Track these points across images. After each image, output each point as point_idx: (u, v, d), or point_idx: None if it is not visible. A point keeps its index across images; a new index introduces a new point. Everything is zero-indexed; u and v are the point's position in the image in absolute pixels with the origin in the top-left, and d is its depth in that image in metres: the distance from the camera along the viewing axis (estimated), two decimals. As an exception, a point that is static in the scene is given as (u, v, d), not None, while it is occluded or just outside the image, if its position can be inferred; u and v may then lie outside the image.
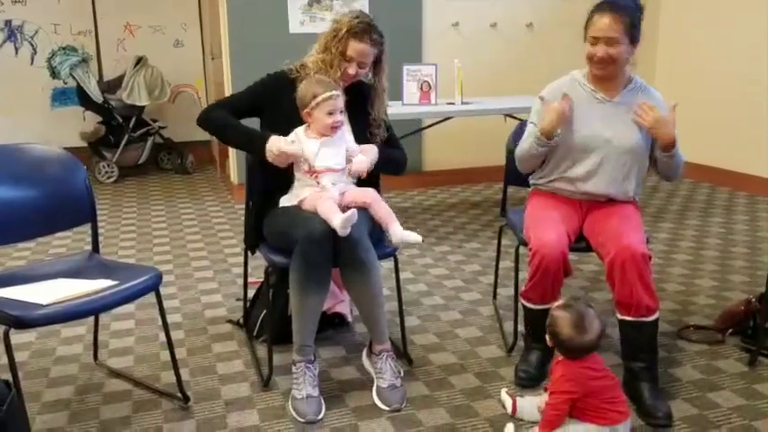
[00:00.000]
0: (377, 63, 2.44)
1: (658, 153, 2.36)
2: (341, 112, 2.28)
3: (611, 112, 2.37)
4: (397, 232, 2.25)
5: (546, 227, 2.28)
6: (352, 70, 2.37)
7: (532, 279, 2.23)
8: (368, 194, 2.33)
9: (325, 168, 2.28)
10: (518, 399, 2.13)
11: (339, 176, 2.31)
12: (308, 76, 2.37)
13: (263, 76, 2.47)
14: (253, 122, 2.41)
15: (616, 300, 2.15)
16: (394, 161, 2.50)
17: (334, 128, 2.27)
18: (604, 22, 2.28)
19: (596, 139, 2.36)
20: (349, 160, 2.33)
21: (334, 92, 2.26)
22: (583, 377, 1.91)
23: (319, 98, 2.24)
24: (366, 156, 2.34)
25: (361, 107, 2.46)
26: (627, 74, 2.43)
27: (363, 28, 2.33)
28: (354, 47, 2.34)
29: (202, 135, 6.54)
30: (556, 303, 2.00)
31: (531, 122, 2.49)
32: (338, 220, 2.10)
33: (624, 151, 2.36)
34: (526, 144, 2.44)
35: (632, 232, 2.20)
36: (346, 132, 2.37)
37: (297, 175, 2.35)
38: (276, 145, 2.26)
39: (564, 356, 1.95)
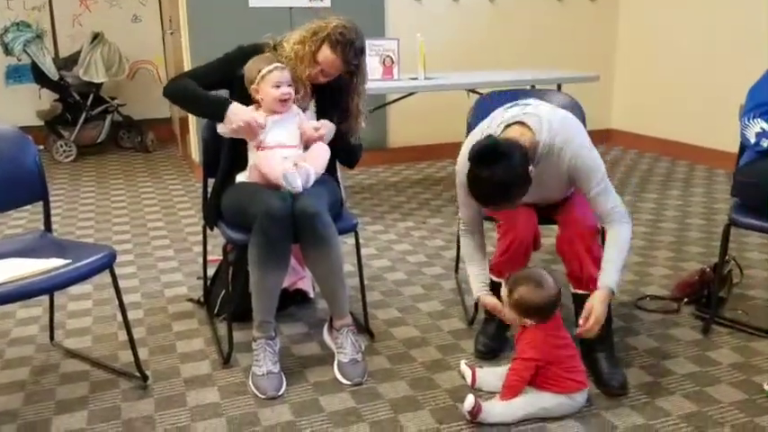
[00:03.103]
0: (351, 83, 2.37)
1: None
2: (289, 84, 2.25)
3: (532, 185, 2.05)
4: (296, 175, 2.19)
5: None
6: (313, 73, 2.30)
7: (504, 255, 2.23)
8: (317, 146, 2.32)
9: (277, 144, 2.25)
10: (477, 370, 2.15)
11: (292, 153, 2.29)
12: (281, 57, 2.31)
13: (234, 48, 2.39)
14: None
15: (567, 273, 2.18)
16: (348, 148, 2.47)
17: (283, 101, 2.24)
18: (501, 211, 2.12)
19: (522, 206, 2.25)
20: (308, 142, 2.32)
21: (278, 64, 2.24)
22: (548, 345, 1.95)
23: (264, 71, 2.22)
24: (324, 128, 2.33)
25: (329, 101, 2.40)
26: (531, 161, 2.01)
27: (341, 40, 2.24)
28: (325, 53, 2.26)
29: (163, 112, 6.49)
30: (505, 287, 2.01)
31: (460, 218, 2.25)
32: (282, 179, 2.14)
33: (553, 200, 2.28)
34: (468, 262, 2.27)
35: (582, 207, 2.20)
36: (302, 114, 2.34)
37: (249, 151, 2.32)
38: (242, 117, 2.21)
39: (538, 320, 1.97)
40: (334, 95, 2.40)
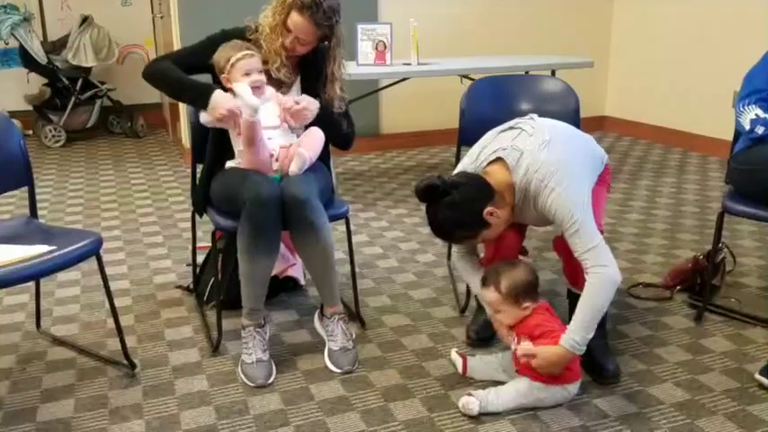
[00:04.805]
0: (329, 48, 2.32)
1: None
2: (259, 71, 2.22)
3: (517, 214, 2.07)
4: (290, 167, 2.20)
5: None
6: (288, 42, 2.25)
7: (490, 264, 2.18)
8: (312, 130, 2.29)
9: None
10: (469, 358, 2.13)
11: (275, 134, 2.25)
12: (260, 36, 2.28)
13: (216, 32, 2.35)
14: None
15: (564, 271, 2.14)
16: (333, 122, 2.38)
17: (255, 89, 2.20)
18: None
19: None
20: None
21: (247, 51, 2.20)
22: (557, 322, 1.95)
23: (233, 59, 2.18)
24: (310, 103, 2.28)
25: (314, 78, 2.36)
26: (508, 200, 1.98)
27: (307, 2, 2.19)
28: (294, 18, 2.21)
29: (153, 97, 6.42)
30: (487, 289, 1.99)
31: None
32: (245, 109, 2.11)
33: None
34: (471, 283, 2.24)
35: None
36: (278, 93, 2.30)
37: (233, 139, 2.29)
38: (225, 105, 2.17)
39: (534, 299, 1.96)
40: (319, 72, 2.35)
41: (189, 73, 2.30)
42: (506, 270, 1.97)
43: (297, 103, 2.24)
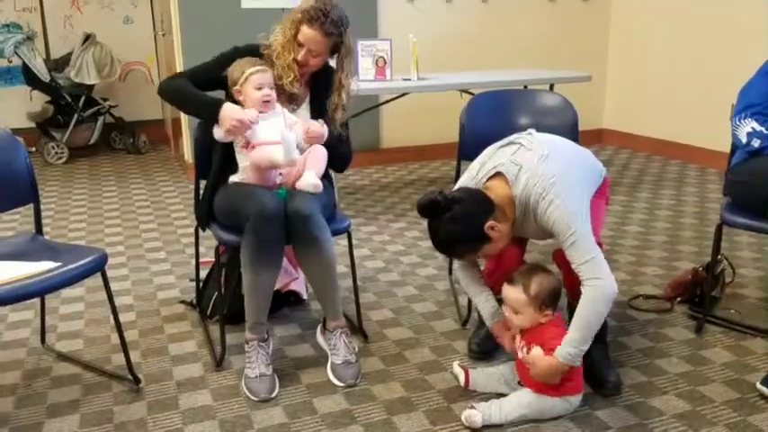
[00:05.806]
0: (339, 57, 2.39)
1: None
2: (271, 87, 2.27)
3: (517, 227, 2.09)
4: (302, 179, 2.22)
5: None
6: (300, 56, 2.31)
7: (491, 277, 2.22)
8: (316, 148, 2.32)
9: (263, 141, 2.25)
10: (471, 371, 2.15)
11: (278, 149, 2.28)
12: (272, 52, 2.33)
13: (230, 48, 2.40)
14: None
15: (564, 283, 2.15)
16: (338, 151, 2.43)
17: (266, 102, 2.26)
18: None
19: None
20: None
21: (261, 67, 2.26)
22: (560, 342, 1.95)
23: (247, 72, 2.25)
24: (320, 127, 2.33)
25: (323, 94, 2.42)
26: (509, 214, 2.01)
27: (316, 15, 2.27)
28: (305, 32, 2.29)
29: (155, 114, 6.48)
30: (513, 287, 1.99)
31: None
32: (280, 153, 2.14)
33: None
34: (471, 294, 2.25)
35: None
36: (286, 112, 2.34)
37: (237, 153, 2.32)
38: (234, 116, 2.21)
39: (553, 310, 1.99)
40: (329, 88, 2.41)
41: (203, 88, 2.34)
42: (538, 274, 1.99)
43: (321, 125, 2.30)
